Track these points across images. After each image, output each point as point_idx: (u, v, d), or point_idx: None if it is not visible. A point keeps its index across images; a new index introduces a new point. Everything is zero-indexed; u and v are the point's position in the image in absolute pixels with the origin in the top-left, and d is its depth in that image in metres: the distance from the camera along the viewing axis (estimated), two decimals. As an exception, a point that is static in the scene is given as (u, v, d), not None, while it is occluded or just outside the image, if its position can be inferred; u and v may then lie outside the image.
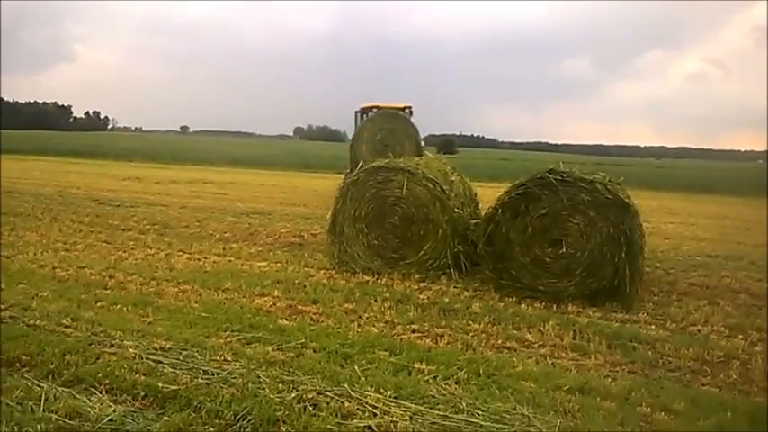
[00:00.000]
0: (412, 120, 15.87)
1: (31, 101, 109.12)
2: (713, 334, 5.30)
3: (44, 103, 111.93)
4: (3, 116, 71.08)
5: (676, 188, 25.81)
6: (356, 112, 16.33)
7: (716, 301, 6.46)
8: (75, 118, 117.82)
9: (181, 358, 4.18)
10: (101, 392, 3.61)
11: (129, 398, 3.57)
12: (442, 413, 3.50)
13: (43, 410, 3.35)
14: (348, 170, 12.88)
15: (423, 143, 15.82)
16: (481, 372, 4.13)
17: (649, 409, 3.68)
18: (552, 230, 6.23)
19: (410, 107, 16.03)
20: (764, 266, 8.55)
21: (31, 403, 3.43)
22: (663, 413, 3.64)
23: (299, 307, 5.60)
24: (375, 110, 15.82)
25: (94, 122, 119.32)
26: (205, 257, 7.72)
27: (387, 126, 13.72)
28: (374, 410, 3.49)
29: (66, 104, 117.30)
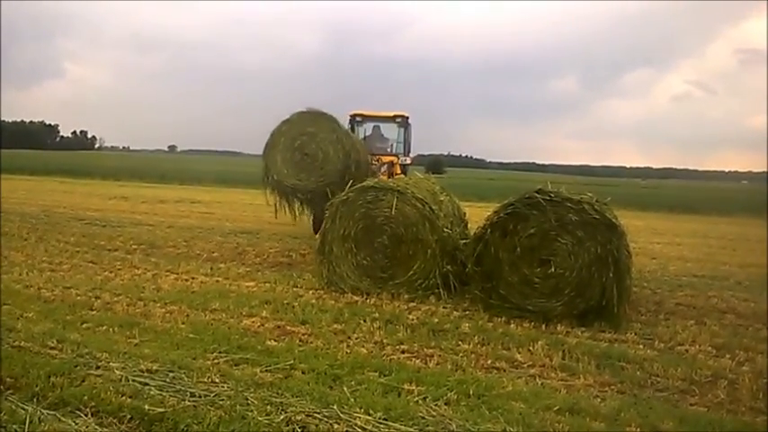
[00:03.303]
0: (401, 129, 13.36)
1: (18, 120, 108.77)
2: (701, 354, 5.32)
3: (31, 121, 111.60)
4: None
5: (662, 208, 26.04)
6: (351, 116, 13.27)
7: (703, 321, 6.50)
8: (61, 137, 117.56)
9: (168, 380, 4.13)
10: (86, 415, 3.56)
11: (114, 421, 3.52)
12: (431, 435, 3.48)
13: (27, 434, 3.30)
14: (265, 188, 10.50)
15: (407, 158, 13.18)
16: (471, 392, 4.12)
17: (638, 429, 3.68)
18: (540, 250, 6.27)
19: (403, 116, 13.40)
20: (750, 287, 8.63)
21: (15, 426, 3.37)
22: (652, 433, 3.65)
23: (288, 328, 5.57)
24: (359, 119, 13.29)
25: (81, 141, 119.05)
26: (192, 278, 7.66)
27: (308, 130, 10.30)
28: (364, 432, 3.46)
29: (52, 123, 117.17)
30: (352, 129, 12.91)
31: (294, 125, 10.46)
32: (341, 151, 10.10)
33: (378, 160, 12.09)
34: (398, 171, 12.54)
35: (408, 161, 13.23)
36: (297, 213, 10.36)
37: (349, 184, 7.71)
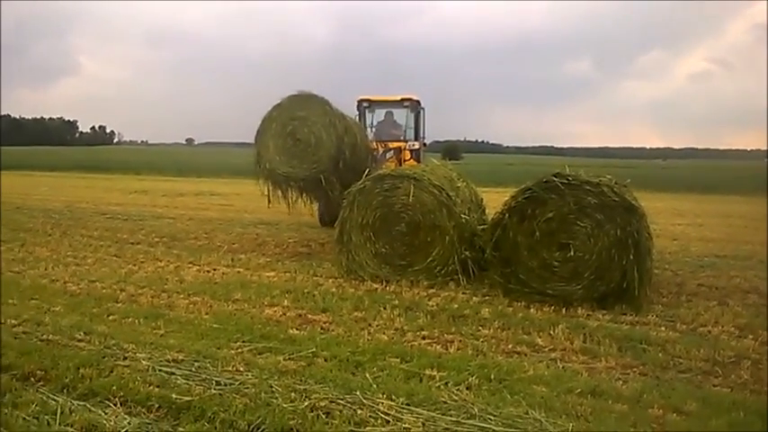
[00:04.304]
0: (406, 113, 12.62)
1: (37, 116, 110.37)
2: (723, 334, 5.29)
3: (50, 118, 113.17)
4: (9, 133, 71.57)
5: (683, 189, 25.73)
6: (358, 102, 12.47)
7: (725, 302, 6.45)
8: (80, 132, 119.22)
9: (193, 369, 4.20)
10: (115, 405, 3.64)
11: (143, 410, 3.59)
12: (454, 419, 3.51)
13: (59, 424, 3.39)
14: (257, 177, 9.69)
15: (415, 143, 12.38)
16: (492, 377, 4.14)
17: (661, 410, 3.68)
18: (559, 234, 6.24)
19: (412, 99, 12.49)
20: (773, 265, 8.52)
21: (47, 417, 3.46)
22: (675, 414, 3.64)
23: (309, 316, 5.62)
24: (366, 104, 12.52)
25: (100, 136, 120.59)
26: (214, 269, 7.76)
27: (300, 114, 9.53)
28: (387, 417, 3.50)
29: (71, 119, 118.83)
30: (361, 115, 12.40)
31: (285, 109, 9.72)
32: (334, 135, 9.30)
33: (384, 146, 11.55)
34: (408, 157, 11.97)
35: (417, 146, 12.41)
36: (291, 202, 9.63)
37: (365, 173, 7.69)
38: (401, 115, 12.87)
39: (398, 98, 12.61)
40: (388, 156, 11.38)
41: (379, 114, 12.87)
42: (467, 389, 3.95)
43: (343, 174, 8.90)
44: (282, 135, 9.49)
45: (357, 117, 12.05)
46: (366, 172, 7.83)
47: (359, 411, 3.57)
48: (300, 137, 9.38)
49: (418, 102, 12.69)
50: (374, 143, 11.39)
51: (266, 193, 9.56)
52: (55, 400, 3.68)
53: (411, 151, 12.19)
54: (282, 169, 9.28)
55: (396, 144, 11.95)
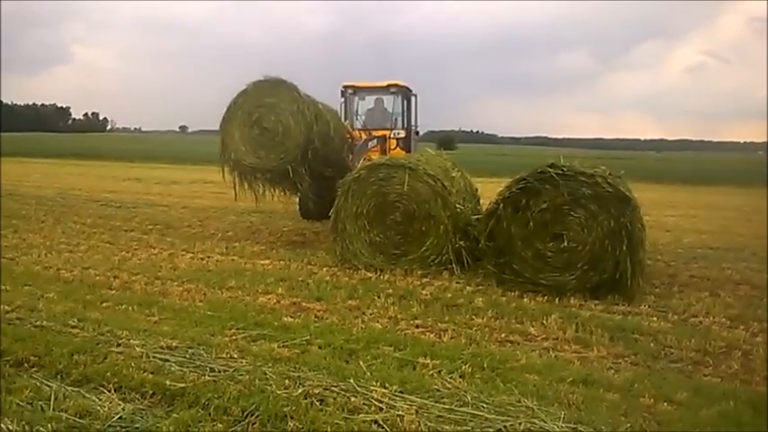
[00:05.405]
0: (398, 100, 12.07)
1: (30, 103, 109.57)
2: (714, 325, 5.33)
3: (42, 105, 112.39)
4: (2, 119, 71.08)
5: (677, 180, 25.82)
6: (343, 89, 11.94)
7: (717, 293, 6.49)
8: (73, 119, 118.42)
9: (187, 356, 4.21)
10: (109, 391, 3.64)
11: (137, 396, 3.60)
12: (447, 406, 3.53)
13: (53, 410, 3.38)
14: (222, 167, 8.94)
15: (401, 131, 11.76)
16: (485, 365, 4.16)
17: (652, 400, 3.71)
18: (553, 224, 6.26)
19: (398, 85, 11.86)
20: (765, 257, 8.57)
21: (41, 403, 3.46)
22: (665, 404, 3.67)
23: (303, 304, 5.64)
24: (351, 91, 11.97)
25: (93, 124, 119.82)
26: (208, 256, 7.76)
27: (267, 101, 8.88)
28: (380, 405, 3.52)
29: (64, 106, 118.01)
30: (346, 102, 11.85)
31: (251, 96, 9.04)
32: (302, 123, 8.61)
33: (368, 134, 11.07)
34: (393, 146, 11.46)
35: (403, 134, 11.74)
36: (257, 195, 9.01)
37: (357, 169, 7.57)
38: (390, 102, 12.36)
39: (385, 84, 12.04)
40: (370, 145, 10.91)
41: (369, 102, 12.44)
42: (460, 377, 3.98)
43: (314, 164, 8.56)
44: (248, 123, 8.91)
45: (342, 104, 11.68)
46: (360, 164, 7.77)
47: (352, 399, 3.58)
48: (267, 125, 8.81)
49: (407, 88, 12.16)
50: (357, 132, 11.01)
51: (231, 184, 8.93)
52: (49, 386, 3.68)
53: (397, 140, 11.66)
54: (248, 159, 8.73)
55: (380, 132, 11.43)
